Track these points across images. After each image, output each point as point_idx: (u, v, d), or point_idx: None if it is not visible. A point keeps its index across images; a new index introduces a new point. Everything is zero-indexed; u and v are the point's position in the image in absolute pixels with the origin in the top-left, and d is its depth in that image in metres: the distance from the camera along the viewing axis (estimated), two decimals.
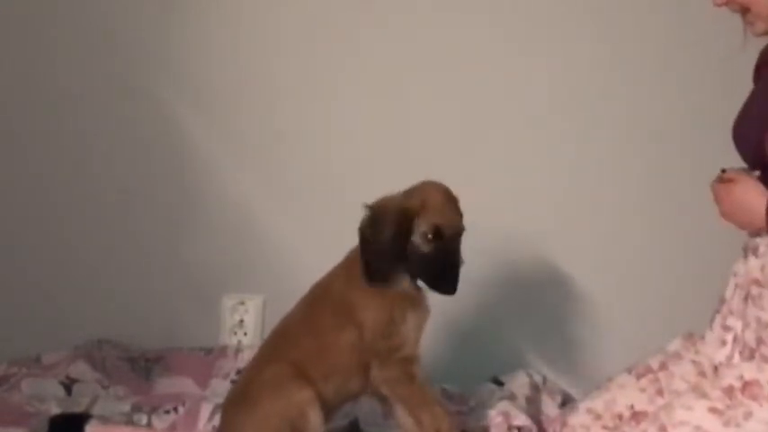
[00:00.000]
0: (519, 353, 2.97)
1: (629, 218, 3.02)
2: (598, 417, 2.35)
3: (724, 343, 2.31)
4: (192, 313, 3.05)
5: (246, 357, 2.74)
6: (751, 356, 2.21)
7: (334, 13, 3.02)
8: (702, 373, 2.32)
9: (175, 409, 2.54)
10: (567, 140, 3.01)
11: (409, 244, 2.18)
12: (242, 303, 3.06)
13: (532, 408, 2.64)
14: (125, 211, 3.06)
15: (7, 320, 3.02)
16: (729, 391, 2.14)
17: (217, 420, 2.38)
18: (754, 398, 2.11)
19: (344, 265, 2.28)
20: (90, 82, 3.04)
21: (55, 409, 2.53)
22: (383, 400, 2.28)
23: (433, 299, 2.24)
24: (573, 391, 2.81)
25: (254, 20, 3.03)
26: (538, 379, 2.83)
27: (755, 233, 2.26)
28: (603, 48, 2.99)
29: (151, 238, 3.06)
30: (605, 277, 3.00)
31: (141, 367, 2.88)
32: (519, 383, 2.76)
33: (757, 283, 2.24)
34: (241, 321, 3.06)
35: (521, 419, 2.49)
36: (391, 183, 2.92)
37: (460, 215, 2.23)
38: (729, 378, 2.16)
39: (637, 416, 2.31)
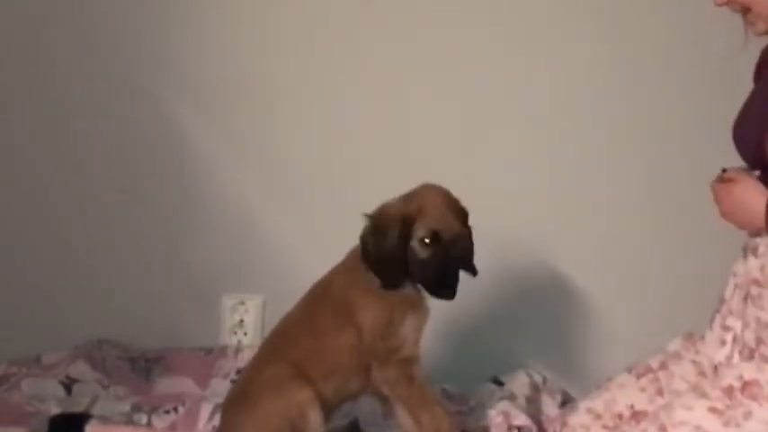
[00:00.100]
0: (519, 353, 2.97)
1: (629, 218, 3.02)
2: (598, 416, 2.35)
3: (724, 343, 2.31)
4: (192, 313, 3.05)
5: (246, 357, 2.74)
6: (750, 356, 2.21)
7: (334, 13, 3.02)
8: (702, 373, 2.32)
9: (175, 409, 2.54)
10: (567, 140, 3.01)
11: (408, 249, 2.18)
12: (242, 303, 3.06)
13: (532, 408, 2.64)
14: (125, 211, 3.06)
15: (7, 320, 3.02)
16: (729, 390, 2.14)
17: (217, 420, 2.38)
18: (754, 398, 2.11)
19: (345, 265, 2.28)
20: (90, 82, 3.04)
21: (55, 409, 2.53)
22: (384, 400, 2.28)
23: (434, 299, 2.24)
24: (573, 391, 2.81)
25: (254, 20, 3.03)
26: (538, 379, 2.83)
27: (755, 233, 2.26)
28: (603, 48, 2.99)
29: (151, 238, 3.06)
30: (605, 277, 3.00)
31: (141, 367, 2.88)
32: (519, 383, 2.76)
33: (757, 283, 2.24)
34: (241, 321, 3.06)
35: (521, 419, 2.49)
36: (391, 183, 2.92)
37: (462, 218, 2.22)
38: (729, 378, 2.16)
39: (637, 415, 2.31)
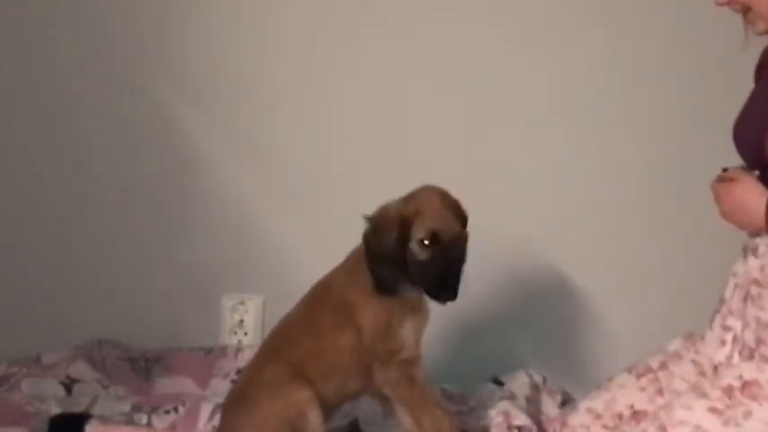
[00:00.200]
0: (519, 353, 2.97)
1: (629, 218, 3.02)
2: (598, 416, 2.35)
3: (723, 343, 2.31)
4: (192, 313, 3.05)
5: (246, 357, 2.74)
6: (750, 356, 2.21)
7: (334, 13, 3.02)
8: (702, 373, 2.32)
9: (175, 409, 2.54)
10: (567, 140, 3.01)
11: (407, 251, 2.17)
12: (242, 303, 3.06)
13: (532, 408, 2.64)
14: (125, 211, 3.06)
15: (7, 320, 3.02)
16: (729, 390, 2.14)
17: (217, 420, 2.38)
18: (754, 397, 2.11)
19: (345, 266, 2.28)
20: (90, 82, 3.04)
21: (55, 409, 2.53)
22: (384, 400, 2.28)
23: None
24: (573, 392, 2.81)
25: (254, 20, 3.03)
26: (538, 379, 2.83)
27: (755, 233, 2.26)
28: (603, 48, 2.99)
29: (151, 238, 3.06)
30: (605, 277, 3.00)
31: (141, 367, 2.88)
32: (519, 383, 2.76)
33: (757, 283, 2.24)
34: (241, 321, 3.06)
35: (521, 419, 2.49)
36: (391, 183, 2.91)
37: (462, 219, 2.22)
38: (729, 378, 2.16)
39: (637, 415, 2.31)
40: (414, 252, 2.17)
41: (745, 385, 2.13)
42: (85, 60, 3.04)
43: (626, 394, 2.36)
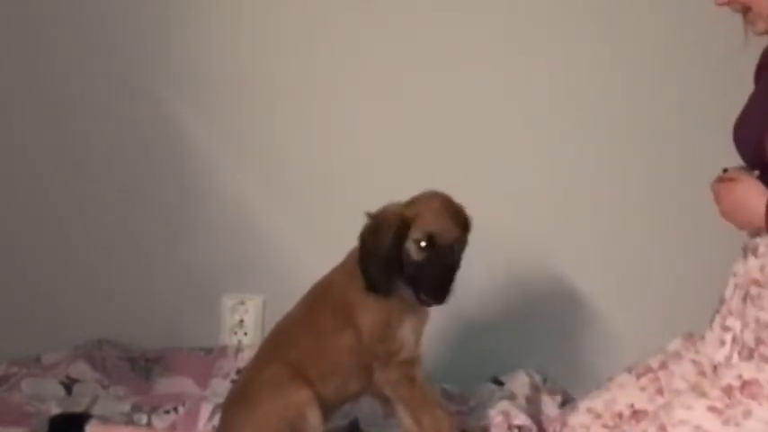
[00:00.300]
0: (519, 353, 2.97)
1: (629, 218, 3.02)
2: (598, 416, 2.35)
3: (723, 343, 2.31)
4: (192, 313, 3.05)
5: (246, 357, 2.74)
6: (750, 356, 2.21)
7: (334, 13, 3.02)
8: (702, 373, 2.32)
9: (175, 409, 2.54)
10: (567, 140, 3.01)
11: (403, 251, 2.17)
12: (242, 303, 3.06)
13: (532, 408, 2.64)
14: (125, 211, 3.06)
15: (7, 320, 3.02)
16: (729, 390, 2.14)
17: (217, 420, 2.38)
18: (754, 397, 2.11)
19: (345, 266, 2.28)
20: (90, 82, 3.04)
21: (55, 409, 2.53)
22: (385, 400, 2.28)
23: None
24: (573, 392, 2.81)
25: (254, 20, 3.03)
26: (538, 379, 2.83)
27: (755, 233, 2.26)
28: (603, 48, 2.99)
29: (151, 238, 3.06)
30: (605, 277, 3.00)
31: (141, 367, 2.88)
32: (519, 383, 2.76)
33: (756, 283, 2.24)
34: (241, 321, 3.06)
35: (521, 419, 2.49)
36: (391, 183, 2.91)
37: (463, 227, 2.22)
38: (729, 377, 2.16)
39: (637, 415, 2.31)
40: (409, 252, 2.17)
41: (745, 385, 2.13)
42: (85, 60, 3.04)
43: (626, 394, 2.36)
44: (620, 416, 2.34)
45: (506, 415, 2.50)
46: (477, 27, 3.00)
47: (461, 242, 2.21)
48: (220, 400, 2.40)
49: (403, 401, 2.23)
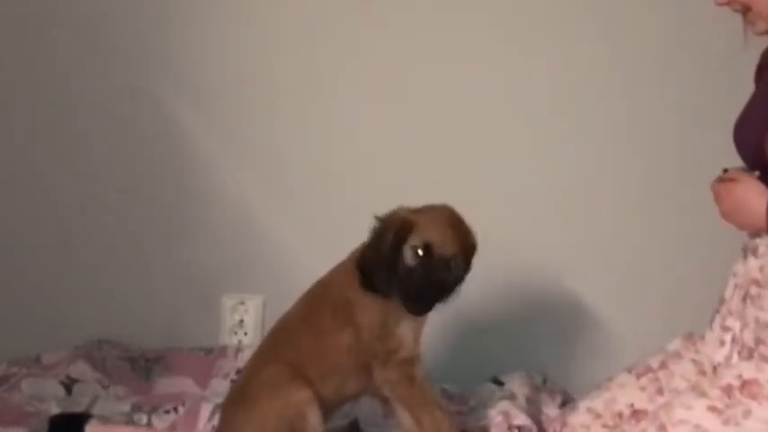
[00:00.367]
0: (519, 353, 2.97)
1: (629, 218, 3.02)
2: (598, 416, 2.35)
3: (723, 343, 2.31)
4: (192, 313, 3.05)
5: (246, 357, 2.73)
6: (749, 357, 2.21)
7: (335, 13, 3.02)
8: (702, 372, 2.32)
9: (175, 409, 2.54)
10: (567, 140, 3.01)
11: (400, 254, 2.17)
12: (242, 303, 3.06)
13: (532, 408, 2.64)
14: (125, 211, 3.06)
15: (7, 320, 3.02)
16: (728, 390, 2.14)
17: (217, 420, 2.38)
18: (753, 397, 2.11)
19: (346, 266, 2.27)
20: (90, 82, 3.04)
21: (55, 409, 2.53)
22: (384, 400, 2.28)
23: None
24: (573, 392, 2.81)
25: (254, 20, 3.03)
26: (538, 379, 2.83)
27: (755, 234, 2.26)
28: (603, 48, 2.99)
29: (151, 238, 3.06)
30: (605, 277, 3.00)
31: (141, 367, 2.88)
32: (519, 383, 2.76)
33: (756, 283, 2.24)
34: (241, 321, 3.06)
35: (521, 419, 2.48)
36: (391, 183, 2.93)
37: (466, 247, 2.20)
38: (728, 377, 2.16)
39: (637, 414, 2.31)
40: (405, 256, 2.17)
41: (745, 384, 2.13)
42: (85, 60, 3.04)
43: (626, 393, 2.36)
44: (620, 415, 2.34)
45: (506, 415, 2.49)
46: (477, 27, 3.00)
47: (459, 260, 2.19)
48: (220, 400, 2.40)
49: (402, 401, 2.23)
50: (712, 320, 2.37)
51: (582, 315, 3.00)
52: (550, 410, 2.68)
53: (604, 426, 2.33)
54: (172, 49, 3.03)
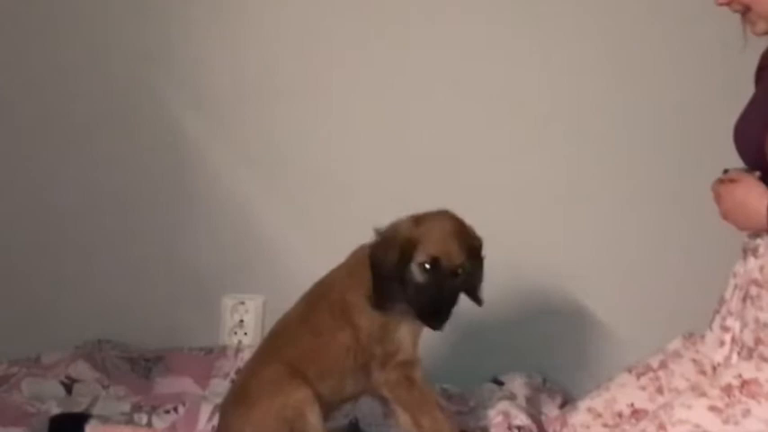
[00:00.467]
0: (519, 353, 2.97)
1: (630, 218, 3.02)
2: (598, 415, 2.35)
3: (722, 343, 2.31)
4: (192, 313, 3.05)
5: (246, 357, 2.73)
6: (749, 356, 2.21)
7: (335, 14, 3.02)
8: (702, 372, 2.33)
9: (175, 409, 2.54)
10: (567, 140, 3.01)
11: (407, 272, 2.17)
12: (242, 303, 3.06)
13: (532, 408, 2.64)
14: (125, 211, 3.06)
15: (7, 320, 3.02)
16: (728, 389, 2.14)
17: (217, 420, 2.38)
18: (753, 396, 2.12)
19: (346, 267, 2.28)
20: (90, 81, 3.04)
21: (55, 409, 2.53)
22: (384, 400, 2.28)
23: None
24: (573, 392, 2.81)
25: (254, 20, 3.03)
26: (538, 379, 2.83)
27: (755, 234, 2.26)
28: (604, 48, 2.99)
29: (151, 238, 3.06)
30: (605, 277, 3.00)
31: (141, 367, 2.88)
32: (519, 383, 2.76)
33: (756, 283, 2.24)
34: (241, 321, 3.06)
35: (521, 419, 2.48)
36: (391, 184, 2.93)
37: (471, 251, 2.20)
38: (728, 377, 2.16)
39: (637, 414, 2.31)
40: (413, 273, 2.17)
41: (745, 384, 2.13)
42: (85, 60, 3.04)
43: (626, 393, 2.36)
44: (620, 415, 2.34)
45: (506, 415, 2.49)
46: (477, 27, 3.00)
47: (468, 265, 2.19)
48: (220, 400, 2.40)
49: (401, 402, 2.23)
50: (712, 320, 2.37)
51: (582, 315, 3.00)
52: (550, 410, 2.68)
53: (604, 425, 2.34)
54: (172, 50, 3.03)
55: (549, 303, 3.00)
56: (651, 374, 2.37)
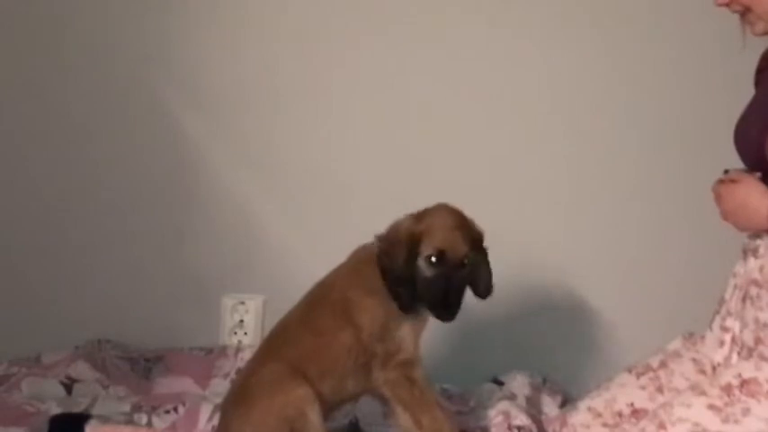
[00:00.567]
0: (519, 353, 2.97)
1: (630, 218, 3.02)
2: (598, 415, 2.35)
3: (722, 343, 2.31)
4: (191, 313, 3.05)
5: (246, 357, 2.73)
6: (749, 356, 2.21)
7: (335, 15, 3.02)
8: (702, 372, 2.33)
9: (175, 409, 2.54)
10: (567, 140, 3.01)
11: (416, 268, 2.18)
12: (242, 303, 3.06)
13: (532, 408, 2.64)
14: (125, 211, 3.06)
15: (7, 320, 3.02)
16: (728, 388, 2.14)
17: (217, 420, 2.38)
18: (753, 395, 2.12)
19: (347, 266, 2.28)
20: (90, 82, 3.04)
21: (55, 409, 2.53)
22: (384, 400, 2.28)
23: None
24: (573, 392, 2.81)
25: (254, 20, 3.03)
26: (538, 379, 2.83)
27: (755, 234, 2.27)
28: (603, 48, 2.99)
29: (151, 238, 3.06)
30: (605, 277, 3.00)
31: (141, 367, 2.88)
32: (519, 383, 2.76)
33: (756, 283, 2.24)
34: (241, 321, 3.06)
35: (521, 419, 2.48)
36: (391, 184, 2.92)
37: (473, 242, 2.21)
38: (728, 376, 2.16)
39: (636, 413, 2.31)
40: (420, 268, 2.18)
41: (744, 383, 2.13)
42: (85, 60, 3.04)
43: (626, 393, 2.36)
44: (620, 414, 2.34)
45: (506, 415, 2.49)
46: (477, 27, 3.00)
47: (469, 259, 2.20)
48: (220, 400, 2.40)
49: (401, 402, 2.23)
50: (712, 321, 2.37)
51: (582, 315, 3.00)
52: (550, 410, 2.68)
53: (604, 425, 2.34)
54: (173, 50, 3.03)
55: (549, 303, 3.00)
56: (651, 374, 2.37)
